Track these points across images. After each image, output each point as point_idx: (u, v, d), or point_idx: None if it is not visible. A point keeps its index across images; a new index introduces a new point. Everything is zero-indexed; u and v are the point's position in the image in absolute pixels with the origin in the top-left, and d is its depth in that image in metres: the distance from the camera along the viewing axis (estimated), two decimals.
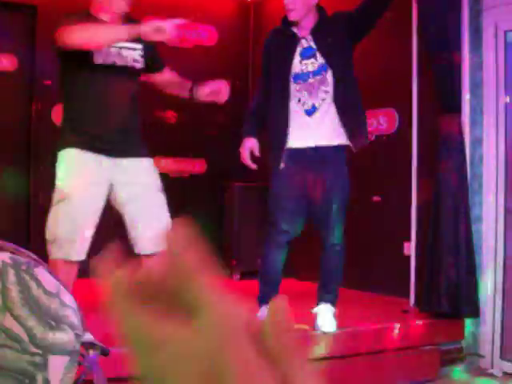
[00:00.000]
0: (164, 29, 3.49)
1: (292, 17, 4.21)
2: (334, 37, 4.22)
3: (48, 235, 3.76)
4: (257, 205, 4.86)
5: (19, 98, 6.36)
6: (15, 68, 6.26)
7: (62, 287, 0.88)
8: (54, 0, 6.21)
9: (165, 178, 4.17)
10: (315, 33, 4.27)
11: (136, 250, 3.85)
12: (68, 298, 0.89)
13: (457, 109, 4.97)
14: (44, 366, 0.74)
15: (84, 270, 5.68)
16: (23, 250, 0.87)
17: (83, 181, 3.75)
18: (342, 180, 4.28)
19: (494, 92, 5.12)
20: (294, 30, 4.30)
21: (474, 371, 5.00)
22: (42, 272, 0.85)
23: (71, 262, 3.74)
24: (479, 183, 5.15)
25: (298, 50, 4.24)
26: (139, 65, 3.92)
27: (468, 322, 5.06)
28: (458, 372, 4.94)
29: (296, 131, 4.24)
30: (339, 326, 4.37)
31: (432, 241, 4.93)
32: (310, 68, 4.23)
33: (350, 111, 4.27)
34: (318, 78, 4.21)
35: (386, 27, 5.38)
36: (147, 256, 3.74)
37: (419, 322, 4.90)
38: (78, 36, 3.59)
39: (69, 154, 3.76)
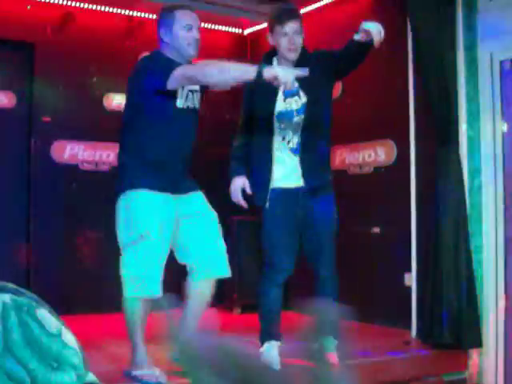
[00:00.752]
0: (282, 79, 3.58)
1: (293, 57, 4.17)
2: (316, 74, 4.13)
3: (126, 275, 3.85)
4: (257, 239, 4.85)
5: (18, 135, 6.38)
6: (13, 105, 6.29)
7: (63, 328, 0.88)
8: (51, 37, 6.28)
9: None
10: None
11: (193, 277, 4.04)
12: (69, 339, 0.89)
13: (454, 139, 4.99)
14: None
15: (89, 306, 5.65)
16: (24, 291, 0.87)
17: (158, 220, 3.84)
18: (330, 213, 4.26)
19: (491, 121, 5.15)
20: None
21: None
22: (43, 313, 0.85)
23: (148, 300, 3.81)
24: (478, 212, 5.15)
25: (282, 88, 4.18)
26: (199, 106, 4.04)
27: (471, 353, 5.03)
28: None
29: (282, 170, 4.21)
30: (340, 358, 4.33)
31: (433, 271, 4.92)
32: (294, 106, 4.19)
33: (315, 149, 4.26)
34: (303, 116, 4.18)
35: (383, 60, 5.42)
36: (205, 281, 4.01)
37: (421, 354, 4.87)
38: (212, 73, 3.63)
39: (140, 195, 3.84)
